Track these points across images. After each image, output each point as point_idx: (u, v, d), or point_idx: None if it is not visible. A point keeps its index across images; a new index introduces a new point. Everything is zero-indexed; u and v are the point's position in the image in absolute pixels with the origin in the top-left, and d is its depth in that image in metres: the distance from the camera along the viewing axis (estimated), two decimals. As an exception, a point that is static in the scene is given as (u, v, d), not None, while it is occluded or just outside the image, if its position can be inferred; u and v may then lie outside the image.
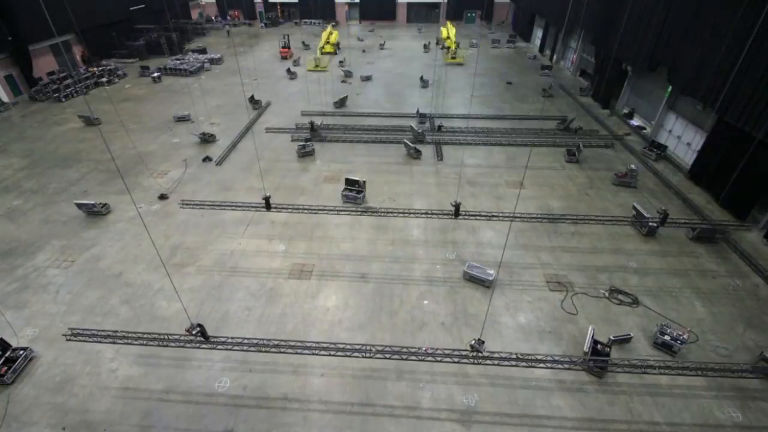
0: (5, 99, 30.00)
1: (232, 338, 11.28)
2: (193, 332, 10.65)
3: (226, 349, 11.28)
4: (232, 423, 10.45)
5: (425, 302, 13.84)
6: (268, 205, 15.14)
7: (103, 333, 11.40)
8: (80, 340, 11.32)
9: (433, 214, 14.85)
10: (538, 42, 44.99)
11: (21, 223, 17.69)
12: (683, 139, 22.29)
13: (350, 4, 59.73)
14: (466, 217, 15.23)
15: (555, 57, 40.37)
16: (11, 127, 26.63)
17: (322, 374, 11.59)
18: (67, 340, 11.35)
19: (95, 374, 11.58)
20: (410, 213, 15.06)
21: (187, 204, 16.92)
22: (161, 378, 11.47)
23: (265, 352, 11.04)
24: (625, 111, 27.74)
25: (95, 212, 17.91)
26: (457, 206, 14.51)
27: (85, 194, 19.48)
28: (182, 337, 11.07)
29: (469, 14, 58.62)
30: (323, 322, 13.05)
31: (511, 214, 15.42)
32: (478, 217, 14.99)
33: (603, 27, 28.69)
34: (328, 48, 42.52)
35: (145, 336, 11.05)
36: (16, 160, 22.66)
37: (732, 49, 17.36)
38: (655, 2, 22.79)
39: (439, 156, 22.78)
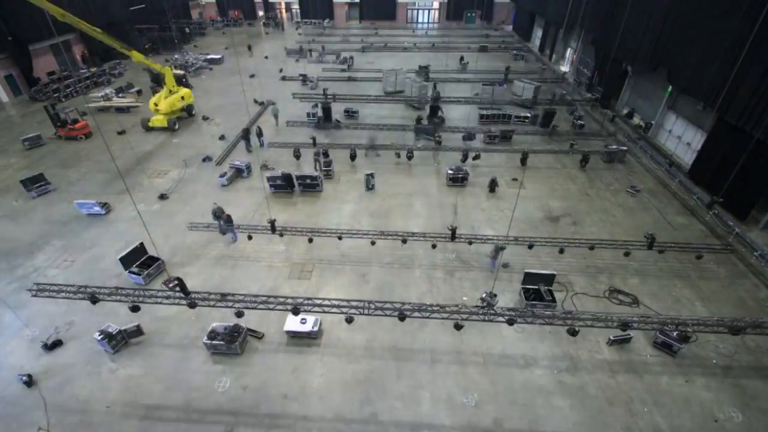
0: (5, 99, 30.00)
1: (212, 294, 10.34)
2: (170, 285, 9.67)
3: (208, 306, 10.43)
4: (232, 423, 10.46)
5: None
6: (273, 229, 15.21)
7: (71, 287, 10.73)
8: (47, 296, 10.65)
9: (430, 237, 15.45)
10: (538, 42, 44.99)
11: (21, 223, 17.70)
12: (683, 139, 22.29)
13: (350, 4, 59.66)
14: (462, 240, 15.54)
15: (554, 56, 40.41)
16: (11, 127, 26.62)
17: (321, 374, 11.61)
18: (33, 296, 10.73)
19: (95, 374, 11.60)
20: (410, 238, 15.43)
21: (195, 227, 16.76)
22: (161, 378, 11.48)
23: (253, 308, 10.49)
24: (625, 111, 27.74)
25: (95, 212, 17.90)
26: (453, 230, 15.01)
27: (85, 194, 19.48)
28: (159, 292, 10.37)
29: (469, 14, 58.57)
30: (323, 322, 13.03)
31: (504, 237, 15.45)
32: (473, 240, 15.38)
33: (603, 27, 28.68)
34: (158, 120, 25.28)
35: (119, 292, 9.99)
36: (16, 160, 22.66)
37: (732, 49, 17.36)
38: (655, 2, 22.81)
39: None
